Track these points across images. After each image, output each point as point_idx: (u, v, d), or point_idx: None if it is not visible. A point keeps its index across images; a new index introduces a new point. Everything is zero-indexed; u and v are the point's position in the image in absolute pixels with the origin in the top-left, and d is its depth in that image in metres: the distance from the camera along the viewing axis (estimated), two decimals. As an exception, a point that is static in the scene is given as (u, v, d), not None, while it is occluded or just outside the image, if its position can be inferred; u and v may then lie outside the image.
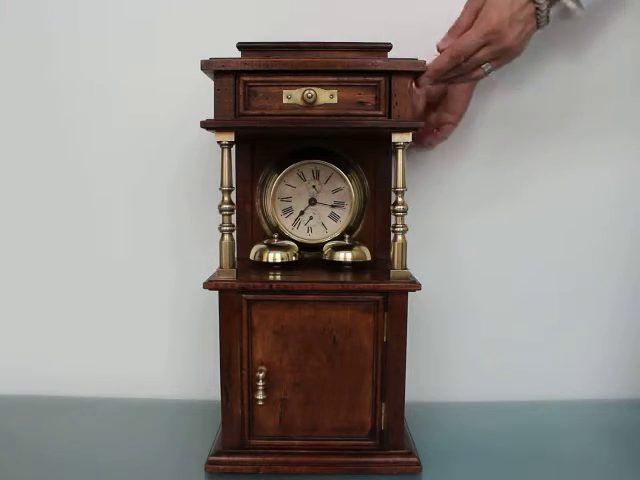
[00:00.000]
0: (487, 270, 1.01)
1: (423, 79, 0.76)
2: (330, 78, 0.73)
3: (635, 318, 1.00)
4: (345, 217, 0.90)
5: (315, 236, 0.90)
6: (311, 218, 0.91)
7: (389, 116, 0.74)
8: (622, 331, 1.02)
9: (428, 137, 0.95)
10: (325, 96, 0.74)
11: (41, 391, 1.01)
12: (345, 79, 0.74)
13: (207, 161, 0.96)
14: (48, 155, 1.01)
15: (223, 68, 0.73)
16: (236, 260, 0.89)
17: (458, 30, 0.79)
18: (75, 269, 1.03)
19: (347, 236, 0.88)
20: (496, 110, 0.97)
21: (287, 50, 0.83)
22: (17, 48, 0.99)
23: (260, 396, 0.76)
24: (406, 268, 0.77)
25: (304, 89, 0.73)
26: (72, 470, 0.78)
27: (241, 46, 0.86)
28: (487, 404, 0.99)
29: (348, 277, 0.80)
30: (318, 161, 0.88)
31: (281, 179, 0.89)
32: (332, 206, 0.90)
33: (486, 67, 0.80)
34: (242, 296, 0.77)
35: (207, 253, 0.90)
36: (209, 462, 0.78)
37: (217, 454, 0.79)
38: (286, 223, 0.91)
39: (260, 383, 0.76)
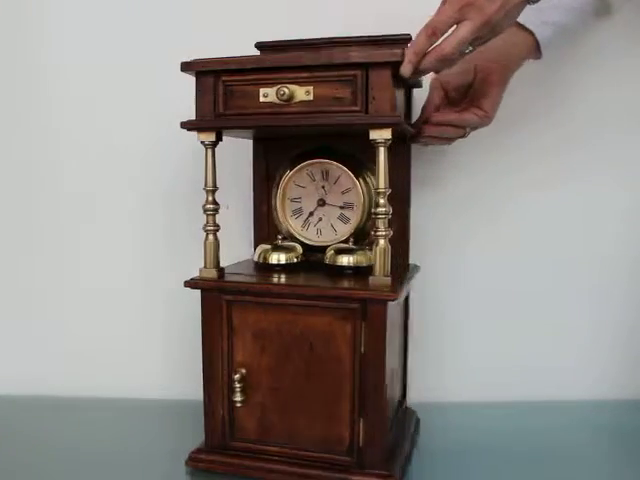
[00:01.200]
0: (488, 269, 1.00)
1: (405, 67, 0.69)
2: (304, 74, 0.70)
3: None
4: (354, 219, 0.86)
5: (324, 238, 0.87)
6: (320, 219, 0.88)
7: (366, 112, 0.69)
8: (627, 332, 0.99)
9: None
10: (301, 93, 0.71)
11: (37, 391, 1.03)
12: (320, 74, 0.70)
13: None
14: (44, 156, 1.04)
15: (202, 68, 0.73)
16: (252, 261, 0.89)
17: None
18: (71, 268, 1.06)
19: (352, 239, 0.84)
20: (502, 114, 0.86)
21: (304, 47, 0.82)
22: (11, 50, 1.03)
23: (237, 398, 0.76)
24: (389, 275, 0.72)
25: (278, 87, 0.71)
26: (71, 467, 0.81)
27: (260, 45, 0.87)
28: (486, 404, 0.98)
29: (337, 282, 0.76)
30: (326, 161, 0.85)
31: (290, 179, 0.87)
32: (341, 207, 0.87)
33: (468, 49, 0.70)
34: (222, 296, 0.76)
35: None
36: (190, 458, 0.79)
37: (199, 451, 0.80)
38: (296, 224, 0.89)
39: (237, 385, 0.75)
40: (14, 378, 1.04)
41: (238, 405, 0.76)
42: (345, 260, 0.80)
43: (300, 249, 0.86)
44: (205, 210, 0.77)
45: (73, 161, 1.04)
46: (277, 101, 0.72)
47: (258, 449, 0.77)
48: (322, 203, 0.87)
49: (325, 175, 0.87)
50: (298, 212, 0.88)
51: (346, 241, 0.84)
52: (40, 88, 1.03)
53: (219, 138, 0.76)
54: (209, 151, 0.76)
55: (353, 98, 0.69)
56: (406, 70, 0.68)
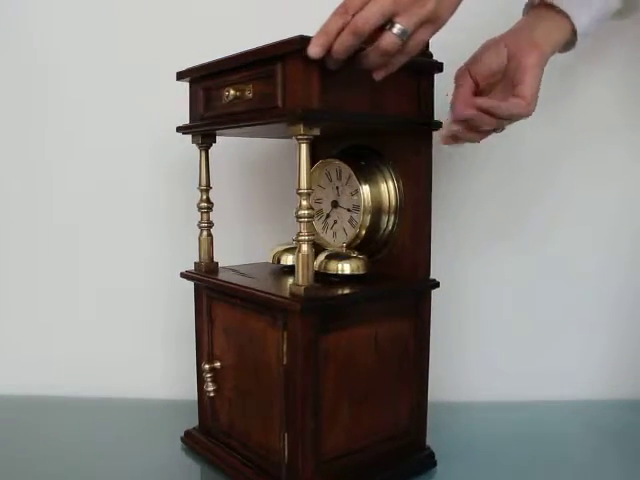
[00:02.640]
0: (490, 267, 1.01)
1: (311, 47, 0.60)
2: (244, 73, 0.69)
3: (636, 319, 1.00)
4: (359, 223, 0.79)
5: (339, 241, 0.83)
6: (335, 222, 0.83)
7: (284, 106, 0.65)
8: (625, 332, 1.01)
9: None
10: (246, 92, 0.70)
11: (37, 391, 1.02)
12: (253, 72, 0.68)
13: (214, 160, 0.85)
14: (44, 157, 1.04)
15: (190, 76, 0.78)
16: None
17: None
18: (71, 269, 1.05)
19: (344, 244, 0.78)
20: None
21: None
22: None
23: (208, 388, 0.79)
24: (307, 284, 0.66)
25: (226, 88, 0.71)
26: (72, 467, 0.81)
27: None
28: (485, 404, 0.99)
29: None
30: (337, 160, 0.81)
31: (313, 179, 0.85)
32: (349, 210, 0.81)
33: (395, 28, 0.58)
34: (205, 290, 0.81)
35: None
36: (185, 434, 0.86)
37: (192, 430, 0.86)
38: (318, 226, 0.86)
39: (207, 375, 0.79)
40: (14, 378, 1.03)
41: (211, 395, 0.79)
42: (335, 267, 0.76)
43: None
44: (199, 208, 0.82)
45: (71, 162, 1.04)
46: (228, 102, 0.72)
47: (226, 442, 0.80)
48: (335, 205, 0.83)
49: (339, 175, 0.82)
50: (320, 213, 0.85)
51: (350, 246, 0.79)
52: (41, 90, 1.02)
53: (210, 140, 0.80)
54: (202, 152, 0.81)
55: (275, 93, 0.66)
56: (313, 50, 0.60)
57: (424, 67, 0.73)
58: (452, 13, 0.62)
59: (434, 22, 0.61)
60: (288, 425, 0.68)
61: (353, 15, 0.59)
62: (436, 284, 0.77)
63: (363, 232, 0.79)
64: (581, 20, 0.70)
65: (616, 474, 0.79)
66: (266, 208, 1.03)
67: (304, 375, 0.66)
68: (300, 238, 0.66)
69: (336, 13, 0.60)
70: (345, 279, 0.75)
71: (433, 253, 0.77)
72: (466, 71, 0.72)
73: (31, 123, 1.03)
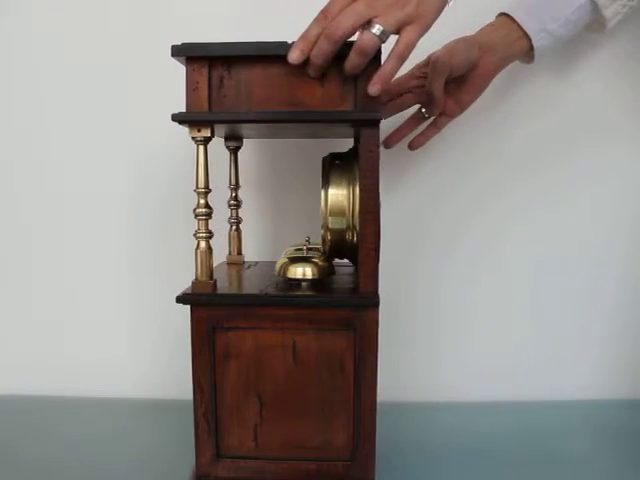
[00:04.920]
0: (482, 267, 1.01)
1: (292, 52, 0.62)
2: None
3: (633, 318, 1.00)
4: (321, 225, 0.74)
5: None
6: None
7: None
8: (623, 331, 1.01)
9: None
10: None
11: (36, 391, 1.02)
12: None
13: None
14: (35, 156, 1.01)
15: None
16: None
17: None
18: (73, 270, 1.03)
19: (305, 247, 0.75)
20: (498, 123, 0.97)
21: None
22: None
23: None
24: (212, 279, 0.69)
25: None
26: (72, 467, 0.81)
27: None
28: (483, 404, 0.98)
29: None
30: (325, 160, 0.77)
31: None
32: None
33: (373, 27, 0.60)
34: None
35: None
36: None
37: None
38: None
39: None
40: (12, 378, 1.04)
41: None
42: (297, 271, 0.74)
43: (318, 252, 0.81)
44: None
45: (71, 162, 1.01)
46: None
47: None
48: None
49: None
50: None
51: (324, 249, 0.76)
52: (34, 88, 0.99)
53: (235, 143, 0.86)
54: (231, 155, 0.87)
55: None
56: (292, 55, 0.62)
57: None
58: (437, 13, 0.63)
59: (418, 23, 0.62)
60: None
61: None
62: (374, 303, 0.66)
63: (328, 235, 0.73)
64: (542, 43, 0.80)
65: (612, 474, 0.78)
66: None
67: (199, 367, 0.69)
68: (198, 235, 0.68)
69: (316, 19, 0.63)
70: (297, 283, 0.72)
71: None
72: (449, 66, 0.77)
73: (32, 125, 1.00)
